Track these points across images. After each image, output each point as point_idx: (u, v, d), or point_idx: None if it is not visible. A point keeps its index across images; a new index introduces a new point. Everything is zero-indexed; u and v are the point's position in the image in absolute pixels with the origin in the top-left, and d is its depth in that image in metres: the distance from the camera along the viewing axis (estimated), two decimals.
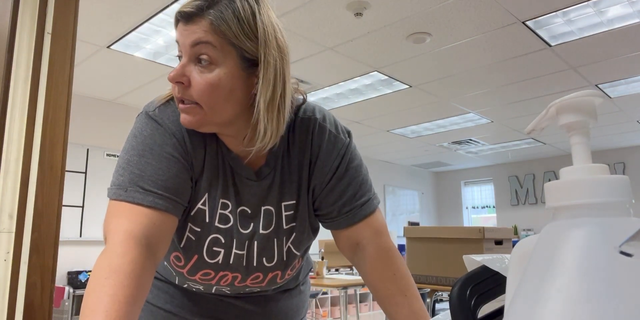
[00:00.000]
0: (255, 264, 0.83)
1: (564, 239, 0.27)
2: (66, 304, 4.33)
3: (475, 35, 3.64)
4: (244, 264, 0.83)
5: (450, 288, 0.99)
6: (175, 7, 3.16)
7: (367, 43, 3.75)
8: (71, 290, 4.42)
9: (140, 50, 3.89)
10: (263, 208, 0.82)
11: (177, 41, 0.71)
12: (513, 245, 1.69)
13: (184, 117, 0.72)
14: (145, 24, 3.41)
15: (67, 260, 4.56)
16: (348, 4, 3.15)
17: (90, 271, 3.38)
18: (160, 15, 3.28)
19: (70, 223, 4.67)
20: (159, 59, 4.05)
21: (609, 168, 0.30)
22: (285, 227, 0.83)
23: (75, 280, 4.53)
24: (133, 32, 3.53)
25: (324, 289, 5.53)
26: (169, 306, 0.92)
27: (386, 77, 4.53)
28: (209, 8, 0.68)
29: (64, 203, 1.69)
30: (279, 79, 0.71)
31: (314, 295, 5.42)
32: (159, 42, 3.72)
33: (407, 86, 4.77)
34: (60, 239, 1.67)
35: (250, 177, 0.79)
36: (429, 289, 2.62)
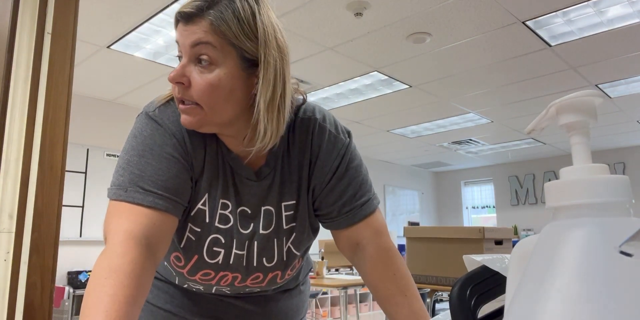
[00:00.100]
0: (255, 264, 0.83)
1: (564, 239, 0.27)
2: (66, 304, 4.33)
3: (475, 35, 3.64)
4: (244, 264, 0.83)
5: (450, 288, 0.99)
6: (175, 7, 3.16)
7: (367, 43, 3.75)
8: (71, 290, 4.42)
9: (140, 50, 3.89)
10: (263, 208, 0.82)
11: (177, 41, 0.71)
12: (513, 245, 1.69)
13: (184, 118, 0.72)
14: (145, 24, 3.41)
15: (67, 260, 4.56)
16: (348, 4, 3.15)
17: (90, 271, 3.37)
18: (160, 15, 3.28)
19: (70, 223, 4.67)
20: (159, 59, 4.05)
21: (609, 168, 0.30)
22: (285, 227, 0.83)
23: (75, 280, 4.53)
24: (133, 32, 3.53)
25: (324, 289, 5.53)
26: (169, 306, 0.92)
27: (386, 77, 4.53)
28: (209, 8, 0.68)
29: (64, 203, 1.69)
30: (279, 79, 0.71)
31: (314, 295, 5.42)
32: (159, 42, 3.72)
33: (407, 86, 4.77)
34: (60, 239, 1.67)
35: (250, 177, 0.79)
36: (429, 289, 2.62)
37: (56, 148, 1.65)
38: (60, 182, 1.65)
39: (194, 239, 0.80)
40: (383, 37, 3.65)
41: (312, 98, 5.03)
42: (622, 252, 0.25)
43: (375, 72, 4.39)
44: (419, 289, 0.90)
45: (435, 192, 9.99)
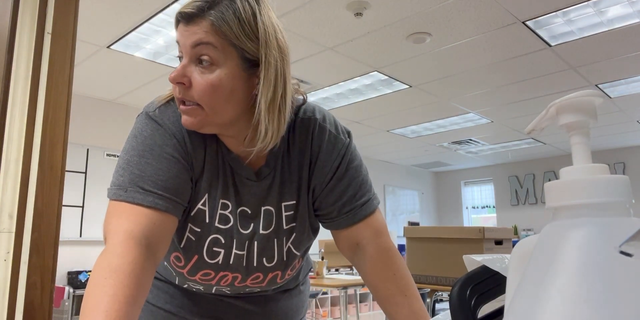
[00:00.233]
0: (255, 264, 0.83)
1: (564, 239, 0.27)
2: (66, 304, 4.33)
3: (475, 35, 3.64)
4: (244, 264, 0.83)
5: (450, 288, 0.99)
6: (176, 7, 3.16)
7: (367, 43, 3.75)
8: (71, 290, 4.42)
9: (140, 50, 3.89)
10: (263, 208, 0.82)
11: (177, 42, 0.71)
12: (513, 245, 1.69)
13: (185, 119, 0.72)
14: (145, 24, 3.41)
15: (67, 260, 4.56)
16: (348, 4, 3.15)
17: (90, 271, 3.37)
18: (160, 15, 3.28)
19: (70, 223, 4.67)
20: (159, 59, 4.05)
21: (609, 168, 0.30)
22: (285, 227, 0.83)
23: (75, 280, 4.53)
24: (133, 32, 3.53)
25: (324, 289, 5.53)
26: (169, 306, 0.92)
27: (386, 77, 4.53)
28: (210, 9, 0.68)
29: (64, 203, 1.69)
30: (279, 79, 0.71)
31: (314, 295, 5.42)
32: (159, 42, 3.72)
33: (407, 86, 4.77)
34: (60, 239, 1.67)
35: (250, 178, 0.79)
36: (429, 289, 2.62)
37: (56, 148, 1.65)
38: (60, 182, 1.65)
39: (194, 239, 0.80)
40: (383, 37, 3.65)
41: (312, 98, 5.03)
42: (622, 252, 0.25)
43: (375, 72, 4.39)
44: (419, 289, 0.90)
45: (435, 192, 9.99)
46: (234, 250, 0.81)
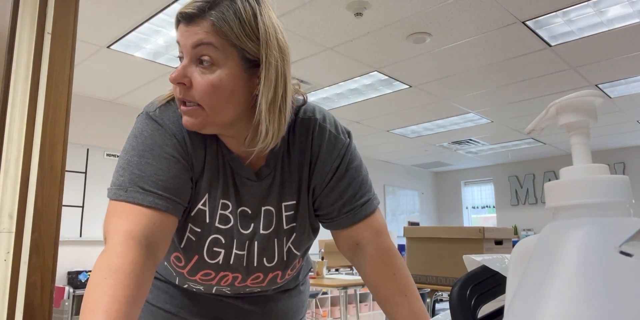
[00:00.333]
0: (255, 264, 0.83)
1: (564, 239, 0.27)
2: (66, 304, 4.33)
3: (475, 35, 3.64)
4: (245, 264, 0.83)
5: (450, 288, 0.99)
6: (176, 7, 3.16)
7: (367, 43, 3.75)
8: (71, 290, 4.42)
9: (140, 50, 3.89)
10: (263, 208, 0.82)
11: (178, 42, 0.71)
12: (513, 245, 1.69)
13: (186, 120, 0.72)
14: (145, 24, 3.41)
15: (67, 260, 4.56)
16: (348, 4, 3.15)
17: (90, 271, 3.37)
18: (160, 15, 3.28)
19: (70, 223, 4.67)
20: (159, 59, 4.05)
21: (609, 168, 0.30)
22: (285, 227, 0.83)
23: (75, 280, 4.53)
24: (133, 32, 3.53)
25: (324, 289, 5.53)
26: (168, 306, 0.92)
27: (386, 77, 4.53)
28: (211, 9, 0.67)
29: (64, 203, 1.69)
30: (280, 79, 0.71)
31: (314, 295, 5.42)
32: (159, 42, 3.72)
33: (407, 86, 4.77)
34: (60, 239, 1.67)
35: (250, 178, 0.79)
36: (429, 289, 2.62)
37: (56, 148, 1.65)
38: (60, 182, 1.65)
39: (194, 239, 0.80)
40: (383, 37, 3.65)
41: (312, 98, 5.03)
42: (622, 252, 0.25)
43: (375, 72, 4.39)
44: (419, 289, 0.90)
45: (435, 192, 9.99)
46: (234, 251, 0.81)
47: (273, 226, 0.82)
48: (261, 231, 0.82)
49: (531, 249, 0.30)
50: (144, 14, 3.27)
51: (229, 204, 0.80)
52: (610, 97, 5.13)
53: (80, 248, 4.72)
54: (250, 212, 0.81)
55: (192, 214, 0.78)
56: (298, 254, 0.87)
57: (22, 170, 1.59)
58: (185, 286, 0.90)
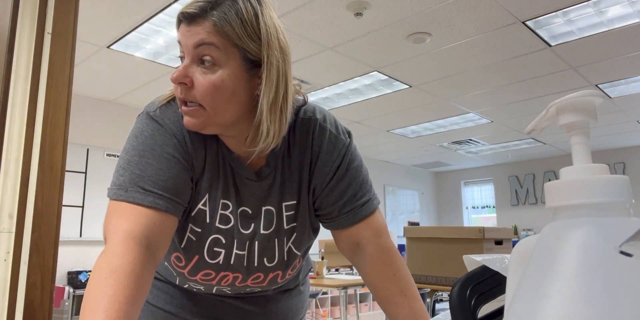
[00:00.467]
0: (256, 264, 0.83)
1: (564, 239, 0.27)
2: (66, 304, 4.33)
3: (475, 35, 3.64)
4: (245, 264, 0.83)
5: (450, 288, 0.99)
6: (176, 7, 3.16)
7: (367, 43, 3.75)
8: (71, 290, 4.42)
9: (140, 50, 3.89)
10: (264, 208, 0.82)
11: (179, 42, 0.71)
12: (513, 245, 1.69)
13: (187, 120, 0.72)
14: (145, 24, 3.41)
15: (67, 260, 4.56)
16: (348, 4, 3.15)
17: (90, 271, 3.37)
18: (160, 15, 3.27)
19: (70, 223, 4.67)
20: (159, 59, 4.05)
21: (609, 168, 0.30)
22: (286, 227, 0.83)
23: (75, 280, 4.53)
24: (133, 32, 3.53)
25: (324, 289, 5.53)
26: (169, 306, 0.92)
27: (386, 77, 4.53)
28: (213, 9, 0.67)
29: (64, 203, 1.69)
30: (281, 80, 0.71)
31: (314, 295, 5.42)
32: (159, 42, 3.72)
33: (407, 86, 4.77)
34: (60, 239, 1.67)
35: (250, 178, 0.79)
36: (429, 289, 2.62)
37: (56, 148, 1.65)
38: (60, 182, 1.65)
39: (194, 239, 0.80)
40: (383, 37, 3.65)
41: (312, 98, 5.03)
42: (622, 252, 0.25)
43: (375, 72, 4.39)
44: (419, 289, 0.90)
45: (435, 192, 10.00)
46: (235, 251, 0.81)
47: (273, 226, 0.82)
48: (262, 231, 0.82)
49: (531, 249, 0.30)
50: (144, 14, 3.27)
51: (230, 204, 0.80)
52: (610, 97, 5.13)
53: (80, 248, 4.72)
54: (250, 212, 0.81)
55: (193, 214, 0.78)
56: (298, 253, 0.87)
57: (22, 170, 1.59)
58: (186, 286, 0.90)
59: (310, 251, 0.97)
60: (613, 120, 6.08)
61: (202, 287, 0.88)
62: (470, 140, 7.14)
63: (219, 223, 0.79)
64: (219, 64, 0.68)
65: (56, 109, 1.68)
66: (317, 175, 0.82)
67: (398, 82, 4.65)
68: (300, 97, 0.83)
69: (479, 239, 2.39)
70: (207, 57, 0.68)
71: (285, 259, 0.85)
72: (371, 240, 0.83)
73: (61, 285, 4.42)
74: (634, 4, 3.21)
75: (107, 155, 5.05)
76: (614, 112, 5.70)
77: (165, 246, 0.70)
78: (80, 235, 4.74)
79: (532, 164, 8.65)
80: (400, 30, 3.55)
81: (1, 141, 1.57)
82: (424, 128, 6.42)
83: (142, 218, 0.67)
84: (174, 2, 3.10)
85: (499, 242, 2.50)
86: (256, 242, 0.82)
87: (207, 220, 0.79)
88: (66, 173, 2.34)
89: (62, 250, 2.65)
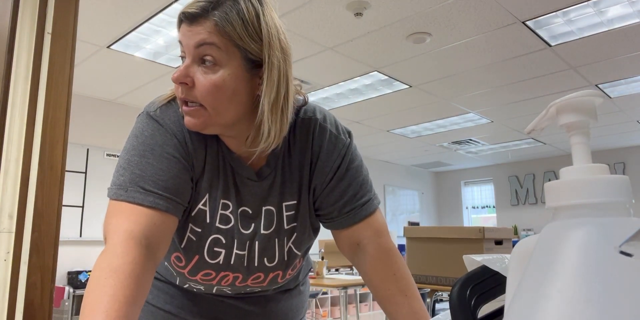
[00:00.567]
0: (256, 264, 0.83)
1: (564, 239, 0.27)
2: (66, 304, 4.33)
3: (475, 35, 3.64)
4: (245, 264, 0.83)
5: (450, 288, 0.99)
6: (176, 7, 3.16)
7: (367, 43, 3.75)
8: (71, 290, 4.42)
9: (140, 50, 3.89)
10: (264, 208, 0.82)
11: (180, 42, 0.71)
12: (513, 245, 1.69)
13: (188, 120, 0.72)
14: (145, 24, 3.41)
15: (67, 260, 4.56)
16: (348, 4, 3.15)
17: (90, 271, 3.37)
18: (160, 15, 3.27)
19: (70, 223, 4.67)
20: (159, 59, 4.05)
21: (609, 168, 0.30)
22: (286, 227, 0.83)
23: (75, 280, 4.53)
24: (133, 32, 3.53)
25: (324, 289, 5.53)
26: (169, 307, 0.92)
27: (386, 77, 4.53)
28: (214, 9, 0.68)
29: (64, 203, 1.69)
30: (282, 80, 0.71)
31: (314, 295, 5.42)
32: (159, 42, 3.72)
33: (407, 86, 4.77)
34: (60, 239, 1.67)
35: (251, 178, 0.79)
36: (429, 289, 2.62)
37: (56, 148, 1.65)
38: (60, 182, 1.65)
39: (194, 239, 0.80)
40: (383, 37, 3.65)
41: (312, 98, 5.03)
42: (622, 252, 0.25)
43: (375, 72, 4.39)
44: (419, 289, 0.90)
45: (435, 192, 10.00)
46: (235, 251, 0.81)
47: (274, 226, 0.82)
48: (262, 231, 0.82)
49: (531, 249, 0.30)
50: (144, 14, 3.27)
51: (230, 204, 0.80)
52: (610, 97, 5.13)
53: (80, 248, 4.72)
54: (250, 212, 0.81)
55: (193, 214, 0.78)
56: (299, 253, 0.87)
57: (22, 170, 1.59)
58: (186, 286, 0.90)
59: (310, 251, 0.97)
60: (613, 120, 6.08)
61: (202, 287, 0.88)
62: (470, 140, 7.14)
63: (219, 223, 0.79)
64: (220, 64, 0.69)
65: (56, 109, 1.68)
66: (317, 175, 0.82)
67: (398, 82, 4.65)
68: (301, 97, 0.83)
69: (479, 239, 2.39)
70: (208, 57, 0.68)
71: (286, 258, 0.85)
72: (371, 240, 0.83)
73: (61, 285, 4.42)
74: (634, 4, 3.21)
75: (107, 155, 5.05)
76: (614, 112, 5.70)
77: (166, 246, 0.70)
78: (80, 235, 4.74)
79: (532, 164, 8.65)
80: (400, 30, 3.55)
81: (1, 141, 1.58)
82: (424, 128, 6.42)
83: (142, 218, 0.67)
84: (174, 2, 3.10)
85: (499, 242, 2.50)
86: (256, 242, 0.82)
87: (207, 220, 0.79)
88: (66, 173, 2.34)
89: (62, 250, 2.65)
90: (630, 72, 4.41)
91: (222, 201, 0.79)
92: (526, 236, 1.11)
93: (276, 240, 0.83)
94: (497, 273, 0.52)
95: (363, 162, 0.87)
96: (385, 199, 8.55)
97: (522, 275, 0.29)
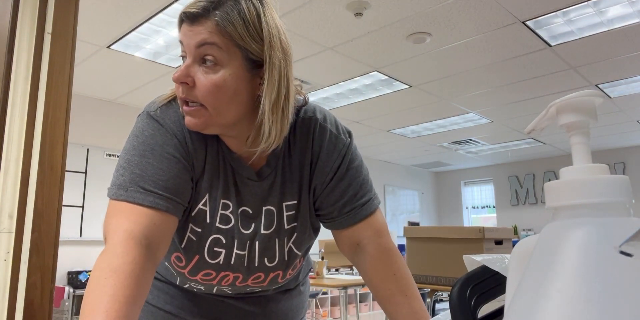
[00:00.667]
0: (256, 264, 0.83)
1: (564, 239, 0.27)
2: (66, 304, 4.33)
3: (475, 35, 3.64)
4: (245, 264, 0.83)
5: (450, 288, 0.99)
6: (176, 7, 3.16)
7: (367, 43, 3.75)
8: (71, 290, 4.42)
9: (140, 50, 3.89)
10: (264, 208, 0.82)
11: (180, 41, 0.71)
12: (513, 245, 1.69)
13: (188, 120, 0.72)
14: (145, 24, 3.41)
15: (67, 260, 4.56)
16: (348, 4, 3.15)
17: (90, 271, 3.37)
18: (160, 15, 3.27)
19: (70, 223, 4.67)
20: (159, 59, 4.05)
21: (609, 168, 0.30)
22: (286, 227, 0.83)
23: (75, 280, 4.53)
24: (133, 32, 3.53)
25: (324, 289, 5.53)
26: (169, 307, 0.92)
27: (386, 77, 4.53)
28: (215, 9, 0.68)
29: (64, 203, 1.69)
30: (283, 80, 0.71)
31: (314, 295, 5.42)
32: (159, 42, 3.72)
33: (407, 86, 4.77)
34: (60, 239, 1.67)
35: (251, 178, 0.79)
36: (429, 289, 2.62)
37: (56, 148, 1.65)
38: (60, 182, 1.65)
39: (195, 239, 0.80)
40: (383, 37, 3.65)
41: (312, 98, 5.03)
42: (622, 252, 0.25)
43: (375, 72, 4.39)
44: (419, 289, 0.90)
45: (435, 192, 10.00)
46: (235, 250, 0.81)
47: (274, 226, 0.82)
48: (262, 231, 0.82)
49: (531, 249, 0.30)
50: (144, 14, 3.27)
51: (230, 204, 0.80)
52: (610, 97, 5.13)
53: (80, 248, 4.72)
54: (251, 212, 0.81)
55: (193, 214, 0.78)
56: (299, 253, 0.87)
57: (22, 170, 1.59)
58: (186, 286, 0.90)
59: (311, 251, 0.97)
60: (613, 120, 6.08)
61: (202, 287, 0.88)
62: (470, 140, 7.14)
63: (219, 223, 0.79)
64: (221, 63, 0.69)
65: (56, 109, 1.68)
66: (317, 175, 0.82)
67: (398, 82, 4.65)
68: (301, 97, 0.83)
69: (479, 239, 2.39)
70: (209, 57, 0.68)
71: (286, 258, 0.85)
72: (372, 240, 0.83)
73: (61, 285, 4.42)
74: (634, 4, 3.21)
75: (107, 155, 5.05)
76: (614, 112, 5.70)
77: (166, 246, 0.70)
78: (80, 235, 4.74)
79: (532, 164, 8.65)
80: (400, 30, 3.55)
81: (1, 141, 1.58)
82: (424, 128, 6.42)
83: (142, 218, 0.67)
84: (174, 2, 3.10)
85: (499, 242, 2.50)
86: (257, 242, 0.82)
87: (208, 220, 0.79)
88: (66, 173, 2.34)
89: (62, 250, 2.65)
90: (630, 72, 4.41)
91: (222, 201, 0.79)
92: (526, 236, 1.11)
93: (276, 240, 0.83)
94: (497, 273, 0.52)
95: (363, 162, 0.87)
96: (385, 199, 8.55)
97: (522, 275, 0.29)
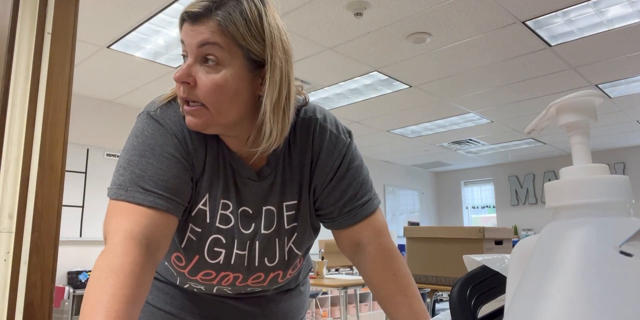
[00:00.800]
0: (256, 264, 0.83)
1: (564, 239, 0.27)
2: (66, 304, 4.33)
3: (475, 35, 3.64)
4: (245, 264, 0.83)
5: (450, 288, 0.99)
6: (176, 7, 3.16)
7: (367, 43, 3.75)
8: (71, 290, 4.42)
9: (140, 50, 3.89)
10: (264, 208, 0.82)
11: (182, 41, 0.71)
12: (513, 245, 1.69)
13: (189, 120, 0.72)
14: (145, 24, 3.41)
15: (67, 260, 4.56)
16: (348, 4, 3.15)
17: (90, 271, 3.37)
18: (160, 15, 3.27)
19: (70, 223, 4.67)
20: (159, 59, 4.05)
21: (609, 168, 0.30)
22: (286, 227, 0.83)
23: (75, 280, 4.53)
24: (133, 32, 3.53)
25: (324, 289, 5.53)
26: (169, 307, 0.91)
27: (386, 77, 4.53)
28: (217, 9, 0.68)
29: (64, 203, 1.69)
30: (284, 80, 0.71)
31: (314, 295, 5.42)
32: (159, 42, 3.72)
33: (407, 86, 4.77)
34: (60, 239, 1.67)
35: (251, 178, 0.79)
36: (429, 289, 2.62)
37: (56, 148, 1.65)
38: (60, 182, 1.65)
39: (195, 239, 0.80)
40: (383, 37, 3.65)
41: (312, 98, 5.03)
42: (622, 252, 0.25)
43: (375, 72, 4.39)
44: (419, 289, 0.90)
45: (435, 192, 9.99)
46: (235, 250, 0.81)
47: (274, 226, 0.82)
48: (262, 231, 0.82)
49: (531, 249, 0.30)
50: (144, 14, 3.27)
51: (230, 204, 0.80)
52: (610, 97, 5.13)
53: (80, 248, 4.72)
54: (251, 212, 0.81)
55: (193, 214, 0.78)
56: (299, 253, 0.87)
57: (22, 170, 1.59)
58: (186, 286, 0.90)
59: (311, 251, 0.97)
60: (613, 120, 6.08)
61: (202, 287, 0.88)
62: (470, 140, 7.14)
63: (219, 223, 0.79)
64: (222, 63, 0.69)
65: (56, 109, 1.68)
66: (317, 175, 0.82)
67: (398, 82, 4.65)
68: (301, 97, 0.83)
69: (479, 239, 2.39)
70: (210, 57, 0.68)
71: (286, 258, 0.85)
72: (372, 240, 0.83)
73: (61, 285, 4.42)
74: (634, 4, 3.21)
75: (107, 155, 5.05)
76: (614, 112, 5.70)
77: (166, 246, 0.70)
78: (80, 235, 4.74)
79: (532, 164, 8.65)
80: (400, 30, 3.55)
81: (1, 141, 1.58)
82: (424, 128, 6.42)
83: (142, 218, 0.67)
84: (174, 2, 3.10)
85: (499, 242, 2.50)
86: (257, 242, 0.82)
87: (208, 220, 0.79)
88: (66, 173, 2.34)
89: (62, 250, 2.65)
90: (630, 72, 4.41)
91: (222, 201, 0.79)
92: (526, 236, 1.11)
93: (277, 240, 0.83)
94: (497, 273, 0.52)
95: (363, 162, 0.87)
96: (385, 199, 8.55)
97: (522, 275, 0.29)
